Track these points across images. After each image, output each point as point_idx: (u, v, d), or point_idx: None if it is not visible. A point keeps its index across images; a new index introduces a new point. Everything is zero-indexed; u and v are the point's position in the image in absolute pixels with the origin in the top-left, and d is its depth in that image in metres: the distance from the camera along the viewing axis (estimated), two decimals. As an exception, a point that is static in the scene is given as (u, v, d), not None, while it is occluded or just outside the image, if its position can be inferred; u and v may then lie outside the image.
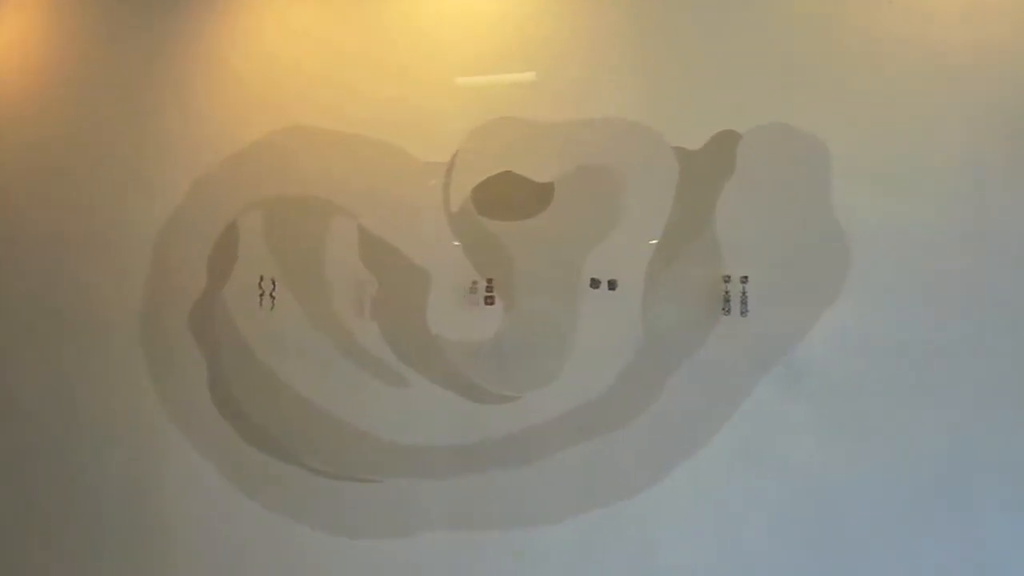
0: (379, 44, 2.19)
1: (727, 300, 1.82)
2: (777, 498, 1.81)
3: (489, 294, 2.01)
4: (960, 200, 1.72)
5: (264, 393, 2.24)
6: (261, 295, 2.23)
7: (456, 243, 2.07)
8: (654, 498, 1.89)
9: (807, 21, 1.85)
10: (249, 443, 2.25)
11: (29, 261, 2.49)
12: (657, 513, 1.89)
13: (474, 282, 2.03)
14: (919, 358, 1.73)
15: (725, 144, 1.88)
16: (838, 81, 1.81)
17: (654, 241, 1.92)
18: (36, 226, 2.48)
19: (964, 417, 1.70)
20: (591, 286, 1.94)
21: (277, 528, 2.21)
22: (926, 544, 1.72)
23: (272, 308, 2.22)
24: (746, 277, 1.82)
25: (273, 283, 2.22)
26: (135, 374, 2.37)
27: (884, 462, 1.74)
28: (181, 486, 2.32)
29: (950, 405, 1.71)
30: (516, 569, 2.00)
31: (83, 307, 2.43)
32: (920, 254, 1.74)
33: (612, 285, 1.92)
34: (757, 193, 1.86)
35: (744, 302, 1.81)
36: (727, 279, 1.83)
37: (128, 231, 2.40)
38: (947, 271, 1.71)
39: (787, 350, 1.81)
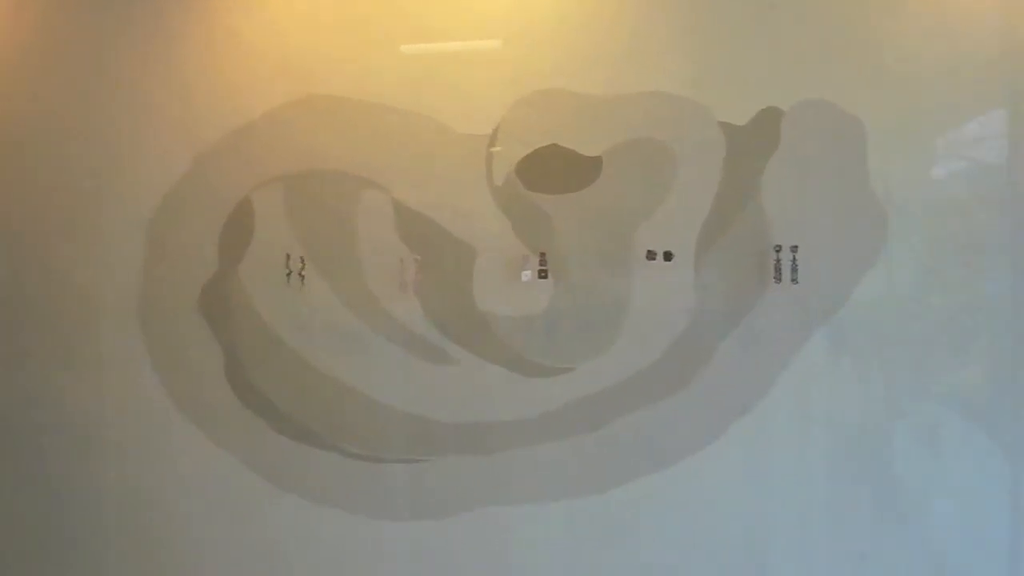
0: (407, 6, 2.09)
1: (778, 269, 1.93)
2: (826, 450, 1.96)
3: (543, 267, 2.01)
4: (988, 170, 1.90)
5: (292, 378, 2.14)
6: (288, 274, 2.11)
7: (502, 217, 2.05)
8: (709, 458, 1.99)
9: (843, 2, 1.96)
10: (278, 432, 2.14)
11: (10, 250, 2.22)
12: (713, 472, 1.99)
13: (527, 255, 2.03)
14: (952, 317, 1.92)
15: (769, 120, 1.97)
16: (874, 59, 1.94)
17: (704, 212, 1.99)
18: (14, 214, 2.22)
19: (997, 370, 1.91)
20: (648, 258, 1.99)
21: (313, 518, 2.13)
22: (969, 484, 1.91)
23: (302, 287, 2.11)
24: (796, 247, 1.93)
25: (302, 261, 2.10)
26: (135, 367, 2.19)
27: (925, 413, 1.92)
28: (200, 483, 2.18)
29: (982, 360, 1.91)
30: (576, 538, 2.04)
31: (66, 297, 2.21)
32: (950, 220, 1.92)
33: (668, 256, 1.98)
34: (800, 167, 1.96)
35: (795, 270, 1.93)
36: (778, 248, 1.94)
37: (116, 212, 2.20)
38: (976, 236, 1.90)
39: (831, 314, 1.95)
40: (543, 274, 2.01)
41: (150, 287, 2.19)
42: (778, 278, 1.94)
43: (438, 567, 2.08)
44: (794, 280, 1.93)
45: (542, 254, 2.02)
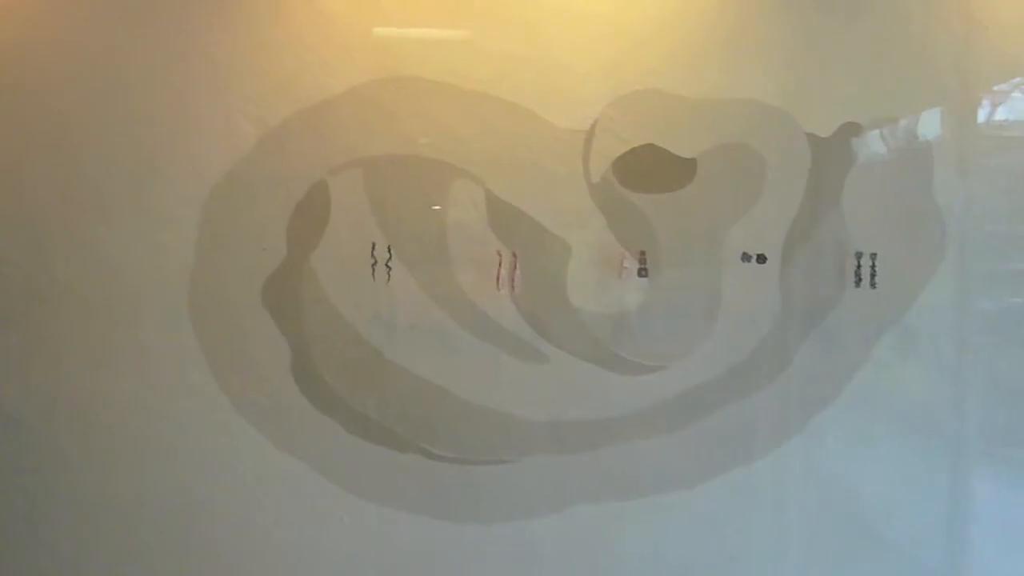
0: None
1: (859, 274, 2.06)
2: (897, 444, 2.12)
3: (642, 266, 2.02)
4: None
5: (369, 376, 2.01)
6: (374, 265, 1.98)
7: (597, 213, 2.04)
8: (787, 454, 2.09)
9: (912, 36, 2.12)
10: (352, 433, 2.01)
11: (40, 236, 1.91)
12: (790, 467, 2.09)
13: (623, 253, 2.03)
14: (1003, 316, 2.13)
15: (850, 133, 2.10)
16: (938, 84, 2.12)
17: (789, 218, 2.09)
18: (43, 191, 1.92)
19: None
20: (742, 260, 2.05)
21: (391, 524, 2.02)
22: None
23: (388, 279, 1.98)
24: (875, 254, 2.07)
25: (389, 251, 1.98)
26: (186, 364, 1.97)
27: (990, 405, 2.13)
28: (261, 489, 2.00)
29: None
30: (664, 533, 2.07)
31: (108, 287, 1.95)
32: (998, 229, 2.13)
33: (761, 259, 2.06)
34: (875, 178, 2.11)
35: (873, 275, 2.07)
36: (859, 255, 2.07)
37: (167, 192, 1.97)
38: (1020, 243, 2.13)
39: (899, 316, 2.11)
40: (643, 272, 2.02)
41: (205, 276, 1.97)
42: (858, 283, 2.07)
43: (529, 569, 2.04)
44: (872, 285, 2.07)
45: (642, 252, 2.03)
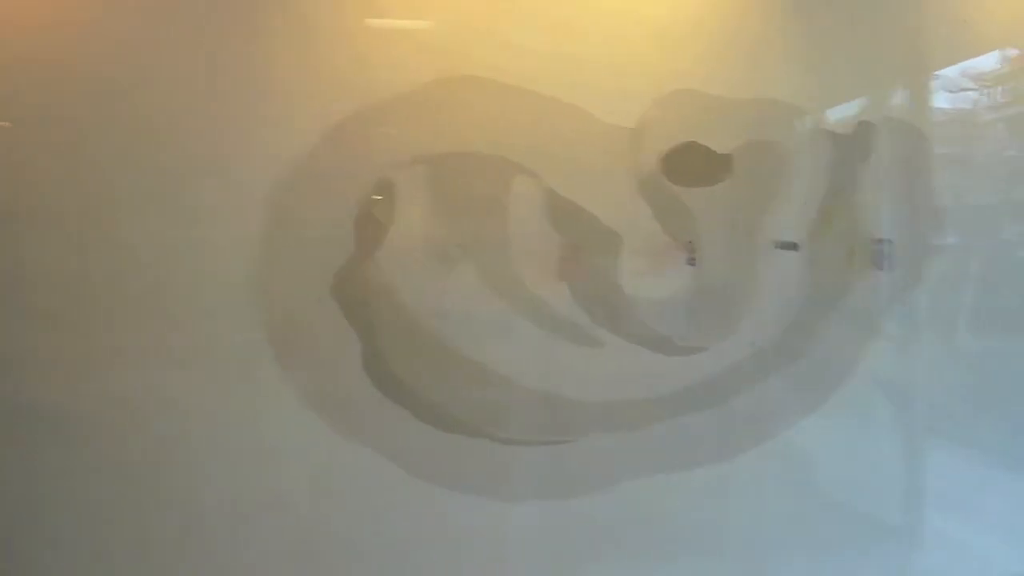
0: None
1: (880, 258, 2.28)
2: (914, 409, 2.36)
3: (691, 255, 2.17)
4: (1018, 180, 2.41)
5: (436, 365, 2.09)
6: (438, 258, 2.06)
7: (645, 206, 2.18)
8: (815, 425, 2.30)
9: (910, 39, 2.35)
10: (422, 420, 2.08)
11: (102, 235, 1.89)
12: (818, 436, 2.30)
13: (669, 243, 2.17)
14: (992, 292, 2.40)
15: (865, 132, 2.31)
16: (940, 89, 2.36)
17: (814, 209, 2.29)
18: (106, 190, 1.90)
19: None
20: (777, 248, 2.23)
21: (462, 507, 2.10)
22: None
23: (452, 272, 2.06)
24: (891, 240, 2.30)
25: (459, 246, 2.06)
26: (254, 360, 1.99)
27: (983, 376, 2.39)
28: (331, 479, 2.05)
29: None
30: (712, 502, 2.24)
31: (171, 284, 1.95)
32: (987, 219, 2.40)
33: (795, 247, 2.25)
34: (886, 172, 2.33)
35: (891, 259, 2.29)
36: (879, 241, 2.29)
37: (231, 187, 1.98)
38: (1006, 234, 2.40)
39: (906, 295, 2.34)
40: (691, 261, 2.18)
41: (272, 272, 2.00)
42: (879, 266, 2.29)
43: (589, 543, 2.17)
44: (891, 268, 2.29)
45: (690, 242, 2.18)
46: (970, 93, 2.39)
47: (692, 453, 2.22)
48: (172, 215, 1.94)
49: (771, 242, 2.24)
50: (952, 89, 2.38)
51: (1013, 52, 2.42)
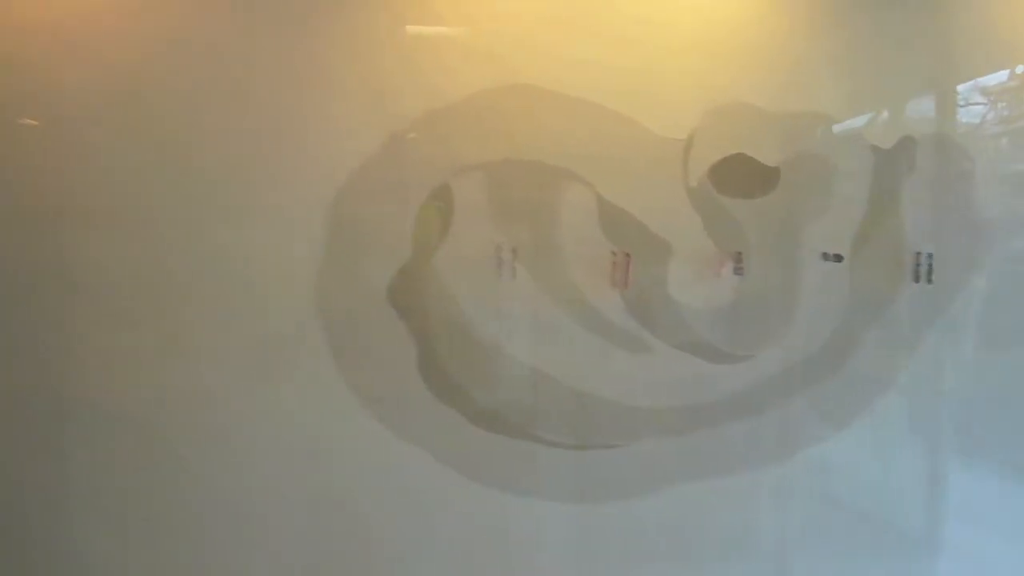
0: (605, 12, 2.18)
1: (918, 271, 2.33)
2: (951, 419, 2.40)
3: (739, 265, 2.22)
4: None
5: (490, 370, 2.12)
6: (494, 264, 2.09)
7: (695, 216, 2.22)
8: (859, 430, 2.33)
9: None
10: (475, 423, 2.11)
11: (164, 237, 1.93)
12: (862, 439, 2.34)
13: (718, 253, 2.21)
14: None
15: (907, 147, 2.36)
16: (982, 105, 2.41)
17: (856, 222, 2.33)
18: (169, 193, 1.93)
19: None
20: (824, 259, 2.28)
21: (514, 509, 2.14)
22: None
23: (505, 278, 2.10)
24: (931, 254, 2.34)
25: (514, 252, 2.10)
26: (314, 362, 2.02)
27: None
28: (392, 482, 2.08)
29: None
30: (756, 504, 2.28)
31: (230, 287, 1.98)
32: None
33: (839, 258, 2.29)
34: (928, 187, 2.38)
35: (930, 272, 2.33)
36: (919, 254, 2.34)
37: (292, 192, 2.01)
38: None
39: (946, 307, 2.39)
40: (739, 271, 2.22)
41: (332, 276, 2.03)
42: (916, 279, 2.33)
43: (637, 546, 2.19)
44: (929, 281, 2.33)
45: (738, 253, 2.22)
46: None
47: (728, 460, 2.26)
48: (238, 221, 1.98)
49: (817, 253, 2.28)
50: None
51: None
